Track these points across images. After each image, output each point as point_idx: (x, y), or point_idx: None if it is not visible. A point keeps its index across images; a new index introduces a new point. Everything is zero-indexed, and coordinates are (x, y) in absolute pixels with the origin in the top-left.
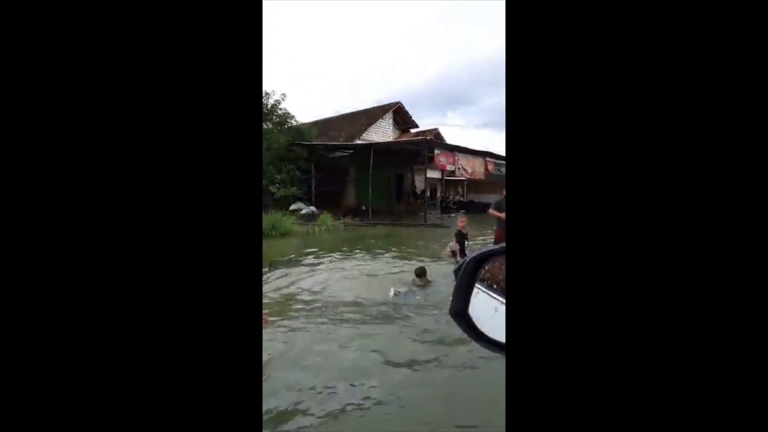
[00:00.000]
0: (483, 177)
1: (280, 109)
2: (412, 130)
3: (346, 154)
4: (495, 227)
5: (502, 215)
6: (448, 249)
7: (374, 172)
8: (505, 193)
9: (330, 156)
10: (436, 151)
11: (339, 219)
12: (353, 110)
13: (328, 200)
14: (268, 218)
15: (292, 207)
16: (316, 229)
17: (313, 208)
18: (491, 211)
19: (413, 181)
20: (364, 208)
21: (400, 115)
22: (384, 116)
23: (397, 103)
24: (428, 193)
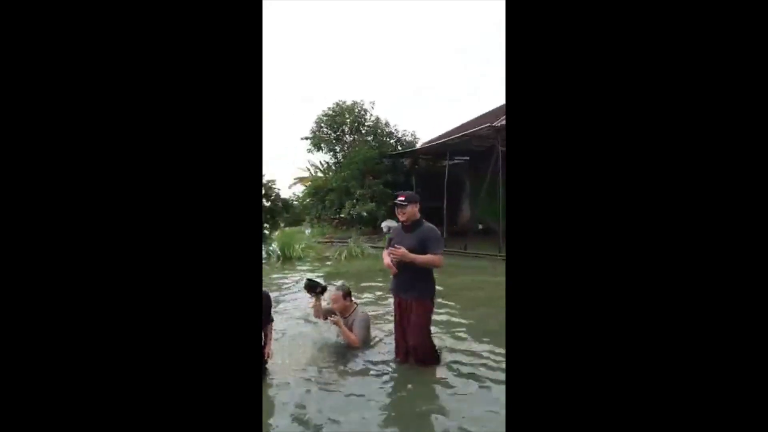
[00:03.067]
0: None
1: (368, 116)
2: None
3: (460, 161)
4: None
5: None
6: None
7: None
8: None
9: (439, 164)
10: None
11: None
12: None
13: (429, 217)
14: (285, 233)
15: (383, 224)
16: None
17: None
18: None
19: None
20: (480, 227)
21: None
22: None
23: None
24: None
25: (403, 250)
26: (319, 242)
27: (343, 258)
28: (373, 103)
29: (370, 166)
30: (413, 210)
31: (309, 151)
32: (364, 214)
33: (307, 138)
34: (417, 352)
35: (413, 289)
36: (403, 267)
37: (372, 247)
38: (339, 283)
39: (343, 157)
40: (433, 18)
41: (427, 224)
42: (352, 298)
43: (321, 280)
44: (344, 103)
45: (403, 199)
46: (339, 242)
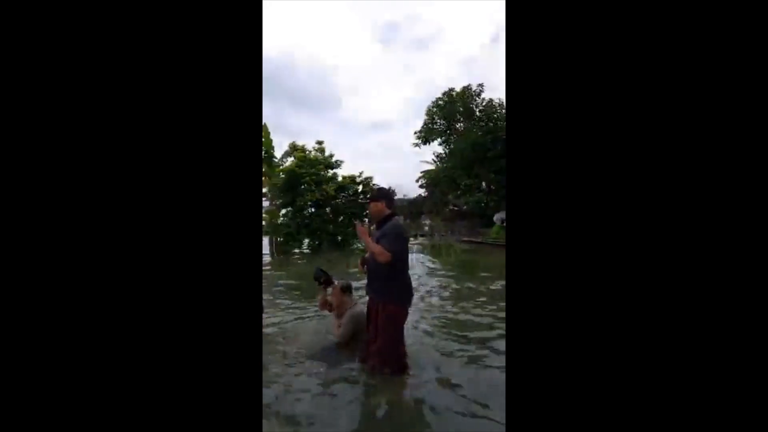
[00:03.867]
0: None
1: (478, 99)
2: None
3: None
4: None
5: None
6: None
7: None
8: None
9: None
10: None
11: None
12: None
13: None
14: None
15: (496, 216)
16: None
17: None
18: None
19: None
20: None
21: None
22: None
23: None
24: None
25: (361, 227)
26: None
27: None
28: (482, 86)
29: (480, 153)
30: (377, 206)
31: (415, 145)
32: (465, 206)
33: (416, 133)
34: (376, 358)
35: (382, 290)
36: (372, 267)
37: (469, 241)
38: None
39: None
40: None
41: (394, 221)
42: (352, 295)
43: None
44: (453, 90)
45: (369, 196)
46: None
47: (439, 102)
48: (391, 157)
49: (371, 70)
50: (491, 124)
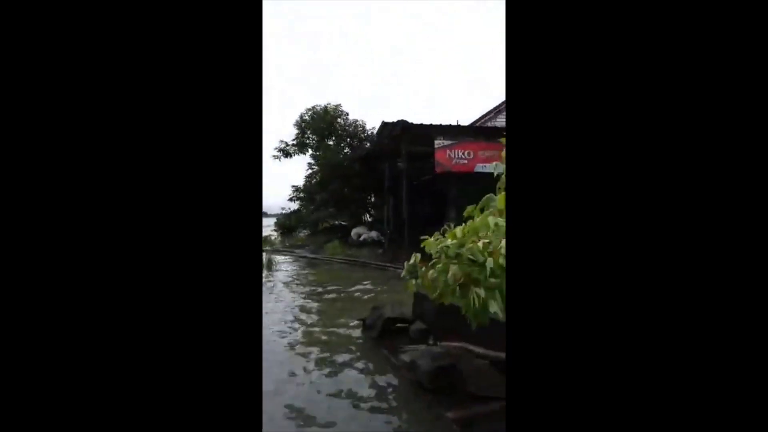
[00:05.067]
0: None
1: (342, 119)
2: None
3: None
4: None
5: None
6: None
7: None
8: None
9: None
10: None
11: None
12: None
13: (414, 227)
14: None
15: (354, 231)
16: None
17: (373, 234)
18: None
19: None
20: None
21: None
22: None
23: None
24: None
25: None
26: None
27: None
28: (339, 107)
29: (339, 170)
30: None
31: (275, 157)
32: (322, 222)
33: (287, 143)
34: None
35: None
36: None
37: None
38: None
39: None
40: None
41: None
42: None
43: None
44: (319, 106)
45: None
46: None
47: (305, 117)
48: None
49: None
50: (356, 142)
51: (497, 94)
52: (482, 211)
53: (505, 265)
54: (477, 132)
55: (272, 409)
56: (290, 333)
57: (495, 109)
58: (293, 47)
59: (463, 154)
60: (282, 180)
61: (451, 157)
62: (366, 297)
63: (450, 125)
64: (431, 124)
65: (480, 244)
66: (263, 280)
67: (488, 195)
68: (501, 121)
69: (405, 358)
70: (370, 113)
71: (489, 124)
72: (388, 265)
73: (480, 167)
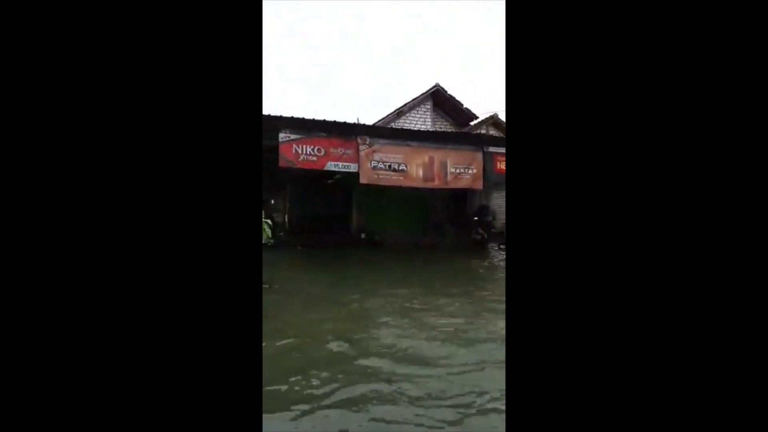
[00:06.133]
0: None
1: None
2: (472, 122)
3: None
4: None
5: None
6: None
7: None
8: None
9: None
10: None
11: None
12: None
13: (316, 226)
14: None
15: None
16: None
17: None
18: None
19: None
20: (377, 238)
21: (444, 103)
22: (418, 107)
23: (435, 86)
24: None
25: None
26: None
27: None
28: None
29: None
30: None
31: None
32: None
33: None
34: None
35: None
36: None
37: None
38: None
39: None
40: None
41: None
42: None
43: None
44: None
45: None
46: None
47: None
48: None
49: None
50: None
51: (497, 95)
52: None
53: None
54: (330, 127)
55: None
56: None
57: (396, 111)
58: (293, 47)
59: (313, 150)
60: None
61: (298, 152)
62: None
63: (301, 118)
64: (280, 116)
65: None
66: None
67: None
68: (401, 123)
69: None
70: (370, 113)
71: (392, 125)
72: None
73: (332, 165)
